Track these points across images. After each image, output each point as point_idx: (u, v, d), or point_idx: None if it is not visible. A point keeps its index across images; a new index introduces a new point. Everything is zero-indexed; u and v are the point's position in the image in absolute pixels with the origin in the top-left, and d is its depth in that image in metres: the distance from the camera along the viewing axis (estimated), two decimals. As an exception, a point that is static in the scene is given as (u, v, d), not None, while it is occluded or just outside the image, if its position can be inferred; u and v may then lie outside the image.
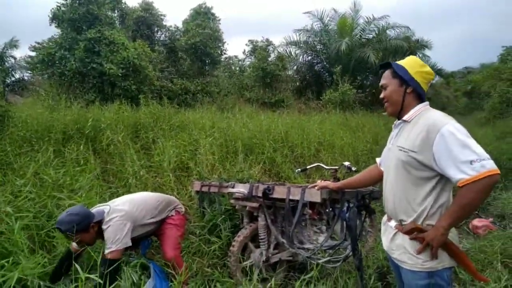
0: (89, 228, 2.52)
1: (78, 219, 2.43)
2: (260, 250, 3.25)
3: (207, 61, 13.23)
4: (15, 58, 17.02)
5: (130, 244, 2.64)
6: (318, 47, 17.42)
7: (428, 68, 1.87)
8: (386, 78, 1.90)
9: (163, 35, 14.34)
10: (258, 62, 13.59)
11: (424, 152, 1.68)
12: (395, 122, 1.96)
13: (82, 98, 8.81)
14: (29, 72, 17.07)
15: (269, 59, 14.04)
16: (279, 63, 13.80)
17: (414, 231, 1.74)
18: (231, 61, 18.41)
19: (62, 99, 7.24)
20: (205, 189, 3.66)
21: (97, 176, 4.29)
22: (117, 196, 4.14)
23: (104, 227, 2.57)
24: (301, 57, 17.67)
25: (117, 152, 5.16)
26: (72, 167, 4.11)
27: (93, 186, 3.74)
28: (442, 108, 19.15)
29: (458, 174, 1.57)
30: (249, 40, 17.21)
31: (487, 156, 1.57)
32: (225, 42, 13.91)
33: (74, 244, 2.67)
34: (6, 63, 16.94)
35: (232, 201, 3.45)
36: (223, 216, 3.68)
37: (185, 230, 3.30)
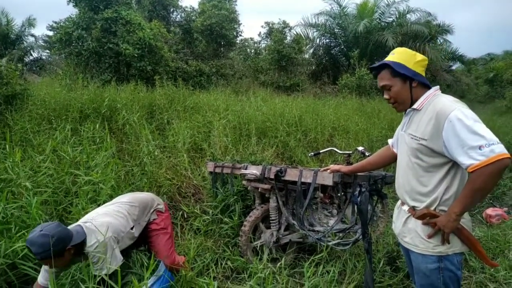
0: (64, 252, 2.12)
1: (53, 242, 2.03)
2: (271, 231, 3.31)
3: (222, 43, 13.15)
4: (35, 37, 17.25)
5: (122, 260, 2.38)
6: (336, 30, 17.08)
7: (420, 55, 1.85)
8: (386, 78, 1.85)
9: (178, 16, 14.26)
10: (274, 44, 13.42)
11: (434, 139, 1.68)
12: (406, 110, 1.93)
13: (98, 78, 8.91)
14: (47, 51, 17.34)
15: (285, 41, 13.85)
16: (295, 45, 13.60)
17: (426, 216, 1.75)
18: (246, 43, 18.24)
19: (79, 79, 7.34)
20: (218, 170, 3.70)
21: (113, 154, 4.37)
22: (132, 175, 4.25)
23: (89, 250, 2.22)
24: (318, 39, 17.38)
25: (133, 132, 5.23)
26: (88, 145, 4.19)
27: (109, 164, 3.82)
28: (461, 96, 18.78)
29: (468, 160, 1.56)
30: (265, 22, 17.04)
31: (497, 140, 1.55)
32: (241, 23, 13.76)
33: (41, 280, 2.33)
34: (24, 42, 17.20)
35: (244, 182, 3.48)
36: (235, 197, 3.73)
37: (171, 225, 2.97)
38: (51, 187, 3.46)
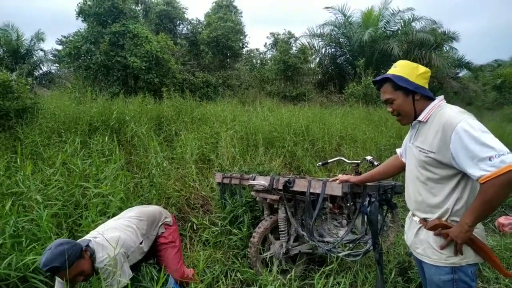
0: (83, 253, 2.17)
1: (68, 247, 2.07)
2: (280, 242, 3.28)
3: (228, 54, 13.29)
4: (44, 51, 17.56)
5: (131, 275, 2.39)
6: (341, 39, 17.15)
7: (423, 68, 1.84)
8: (389, 92, 1.86)
9: (185, 29, 14.47)
10: (280, 54, 13.51)
11: (442, 152, 1.67)
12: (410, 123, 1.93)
13: (106, 90, 9.04)
14: (56, 65, 17.62)
15: (291, 52, 13.94)
16: (301, 55, 13.68)
17: (438, 227, 1.73)
18: (252, 54, 18.39)
19: (88, 92, 7.45)
20: (226, 180, 3.70)
21: (122, 166, 4.40)
22: (141, 187, 4.28)
23: (99, 265, 2.23)
24: (323, 49, 17.46)
25: (141, 143, 5.28)
26: (97, 157, 4.23)
27: (118, 176, 3.84)
28: (468, 103, 18.62)
29: (478, 172, 1.54)
30: (270, 33, 17.17)
31: (507, 150, 1.53)
32: (246, 35, 13.92)
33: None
34: (34, 57, 17.51)
35: (253, 193, 3.48)
36: (244, 207, 3.72)
37: (179, 238, 2.97)
38: (61, 200, 3.49)
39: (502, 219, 4.53)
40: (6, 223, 2.89)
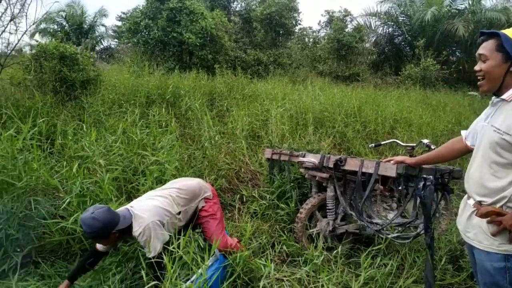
0: (110, 235, 2.34)
1: (99, 226, 2.26)
2: (327, 220, 3.30)
3: (281, 32, 13.12)
4: (105, 27, 18.51)
5: (166, 240, 2.47)
6: (400, 18, 16.22)
7: None
8: (488, 49, 1.68)
9: (239, 5, 14.45)
10: (334, 33, 13.12)
11: None
12: (492, 99, 1.79)
13: (163, 65, 9.37)
14: (116, 40, 18.51)
15: (346, 30, 13.46)
16: (356, 34, 13.17)
17: (490, 215, 1.65)
18: (305, 32, 18.00)
19: (145, 66, 7.77)
20: (275, 157, 3.75)
21: (177, 138, 4.61)
22: (194, 158, 4.46)
23: (135, 234, 2.39)
24: (380, 28, 16.64)
25: (194, 117, 5.46)
26: (155, 128, 4.46)
27: (173, 146, 4.04)
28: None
29: None
30: (325, 10, 16.63)
31: None
32: (300, 12, 13.61)
33: (98, 246, 2.58)
34: (96, 32, 18.50)
35: (302, 170, 3.50)
36: (292, 184, 3.76)
37: (220, 209, 3.03)
38: (121, 166, 3.74)
39: None
40: (73, 183, 3.16)
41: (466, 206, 1.87)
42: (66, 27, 17.12)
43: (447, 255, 3.04)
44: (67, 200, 2.95)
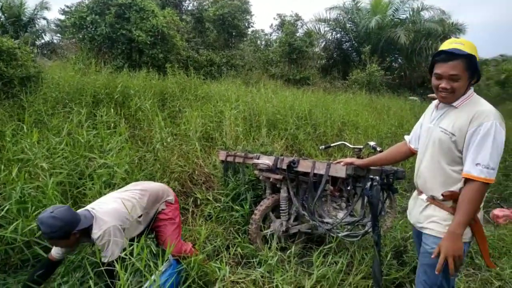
0: (70, 236, 2.23)
1: (60, 225, 2.14)
2: (280, 220, 3.36)
3: (233, 33, 13.12)
4: (47, 20, 17.29)
5: (124, 246, 2.37)
6: (348, 24, 16.95)
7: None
8: (459, 69, 1.75)
9: (191, 5, 14.26)
10: (286, 37, 13.36)
11: (462, 137, 1.75)
12: (437, 104, 1.96)
13: (111, 63, 8.96)
14: (58, 35, 17.39)
15: (297, 34, 13.78)
16: (306, 39, 13.53)
17: (454, 197, 1.81)
18: (257, 35, 18.15)
19: (92, 64, 7.39)
20: (230, 159, 3.75)
21: (126, 140, 4.44)
22: (144, 160, 4.32)
23: (94, 237, 2.28)
24: (329, 34, 17.29)
25: (145, 118, 5.29)
26: (103, 129, 4.26)
27: (123, 149, 3.88)
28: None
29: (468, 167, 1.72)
30: (277, 14, 16.87)
31: (495, 167, 1.70)
32: (253, 14, 13.72)
33: (53, 253, 2.44)
34: (36, 25, 17.25)
35: (256, 172, 3.53)
36: (247, 186, 3.78)
37: (179, 215, 2.97)
38: (66, 169, 3.53)
39: (497, 211, 4.65)
40: (12, 189, 2.94)
41: (417, 202, 2.03)
42: (2, 19, 15.78)
43: (392, 251, 3.23)
44: (6, 207, 2.73)
